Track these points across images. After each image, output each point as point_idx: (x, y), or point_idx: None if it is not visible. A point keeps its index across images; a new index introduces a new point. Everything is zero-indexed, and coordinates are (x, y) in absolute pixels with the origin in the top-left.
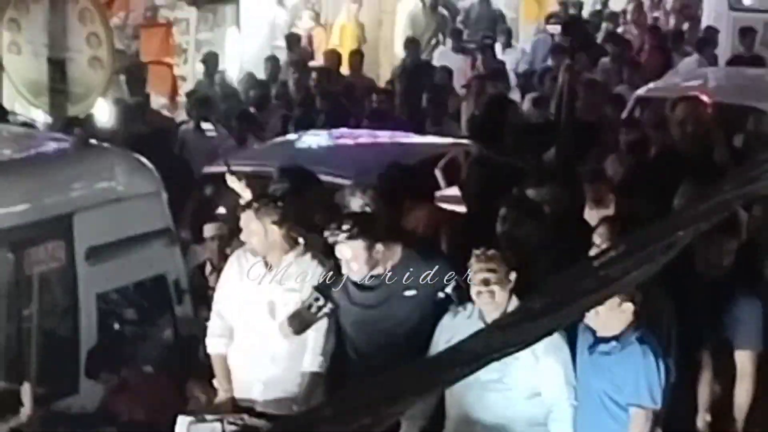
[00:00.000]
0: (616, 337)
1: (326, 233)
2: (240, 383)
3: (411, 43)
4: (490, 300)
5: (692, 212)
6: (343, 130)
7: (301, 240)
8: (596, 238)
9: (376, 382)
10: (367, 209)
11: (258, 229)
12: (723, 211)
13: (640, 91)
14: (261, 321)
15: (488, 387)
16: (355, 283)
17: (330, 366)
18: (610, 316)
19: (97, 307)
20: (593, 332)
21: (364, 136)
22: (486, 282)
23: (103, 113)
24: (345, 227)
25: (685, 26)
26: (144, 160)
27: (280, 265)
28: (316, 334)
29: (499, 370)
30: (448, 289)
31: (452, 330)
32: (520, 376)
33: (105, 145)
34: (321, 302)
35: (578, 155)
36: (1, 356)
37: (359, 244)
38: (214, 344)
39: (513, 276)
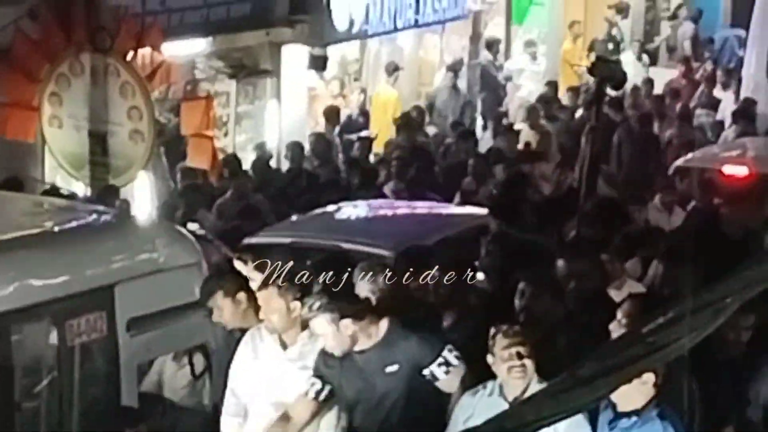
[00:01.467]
0: (636, 413)
1: (302, 308)
2: None
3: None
4: (522, 374)
5: (740, 279)
6: (382, 201)
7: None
8: (619, 315)
9: None
10: (373, 296)
11: (279, 307)
12: None
13: (679, 162)
14: (275, 400)
15: None
16: (340, 358)
17: None
18: (632, 389)
19: (138, 378)
20: (614, 407)
21: (403, 207)
22: (519, 355)
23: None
24: (316, 304)
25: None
26: (184, 231)
27: (296, 343)
28: (329, 412)
29: None
30: (434, 367)
31: (471, 409)
32: None
33: (145, 216)
34: (318, 386)
35: (602, 229)
36: (43, 428)
37: (327, 320)
38: (228, 424)
39: (531, 352)
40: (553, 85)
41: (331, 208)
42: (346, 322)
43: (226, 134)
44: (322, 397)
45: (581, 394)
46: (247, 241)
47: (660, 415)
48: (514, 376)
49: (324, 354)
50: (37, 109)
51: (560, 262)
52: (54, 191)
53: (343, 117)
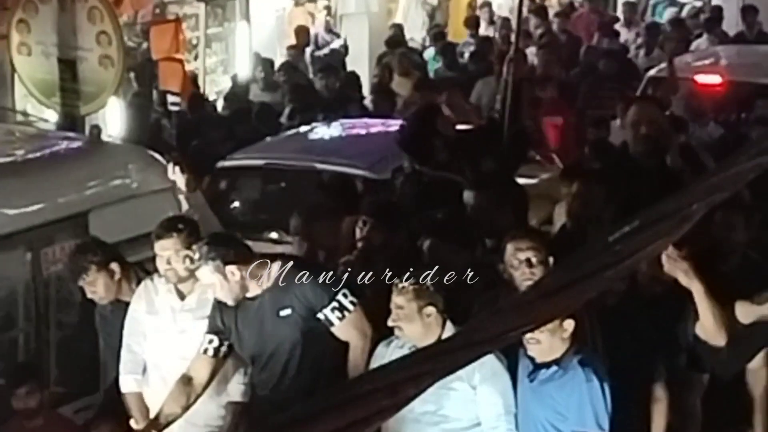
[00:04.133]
0: (556, 362)
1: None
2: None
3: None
4: (400, 333)
5: (706, 185)
6: (356, 120)
7: None
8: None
9: (312, 408)
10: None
11: (183, 254)
12: (738, 183)
13: (653, 72)
14: (175, 353)
15: (424, 420)
16: (234, 307)
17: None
18: (549, 337)
19: None
20: (532, 359)
21: (377, 125)
22: (394, 317)
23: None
24: (199, 253)
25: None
26: (157, 156)
27: (193, 291)
28: (236, 361)
29: (435, 401)
30: (327, 311)
31: (386, 358)
32: (457, 407)
33: (118, 142)
34: (216, 342)
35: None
36: (21, 356)
37: (211, 269)
38: (126, 382)
39: (429, 310)
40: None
41: (304, 128)
42: (232, 269)
43: (196, 57)
44: (221, 354)
45: (548, 305)
46: (220, 164)
47: (581, 362)
48: (396, 332)
49: (218, 306)
50: (5, 37)
51: (468, 194)
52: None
53: (311, 36)
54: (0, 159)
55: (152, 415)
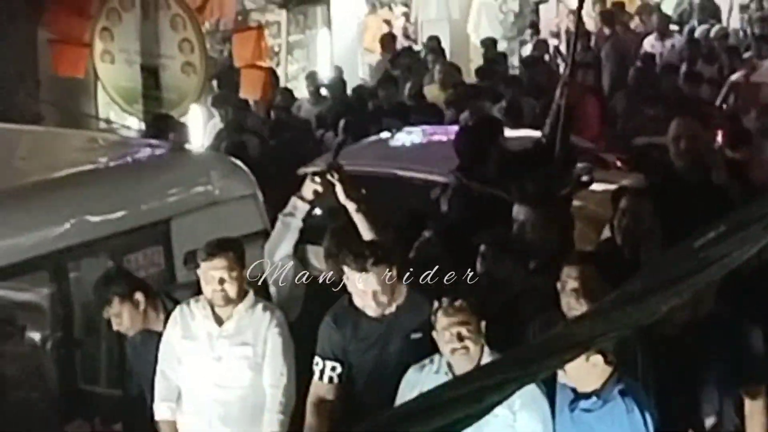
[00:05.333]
0: (596, 393)
1: (348, 262)
2: None
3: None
4: (464, 355)
5: None
6: (436, 126)
7: (250, 289)
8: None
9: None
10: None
11: (217, 278)
12: None
13: (735, 77)
14: (210, 380)
15: None
16: (365, 317)
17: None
18: (584, 369)
19: None
20: (573, 388)
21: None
22: (460, 337)
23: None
24: (370, 255)
25: None
26: (239, 163)
27: (232, 317)
28: (274, 391)
29: (476, 428)
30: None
31: (419, 385)
32: None
33: (200, 149)
34: (338, 370)
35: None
36: (104, 363)
37: (381, 274)
38: (160, 410)
39: (483, 325)
40: None
41: (384, 135)
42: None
43: (278, 64)
44: (336, 381)
45: (632, 312)
46: (302, 170)
47: (622, 392)
48: (456, 357)
49: (330, 327)
50: (88, 45)
51: (517, 210)
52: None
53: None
54: (83, 166)
55: None
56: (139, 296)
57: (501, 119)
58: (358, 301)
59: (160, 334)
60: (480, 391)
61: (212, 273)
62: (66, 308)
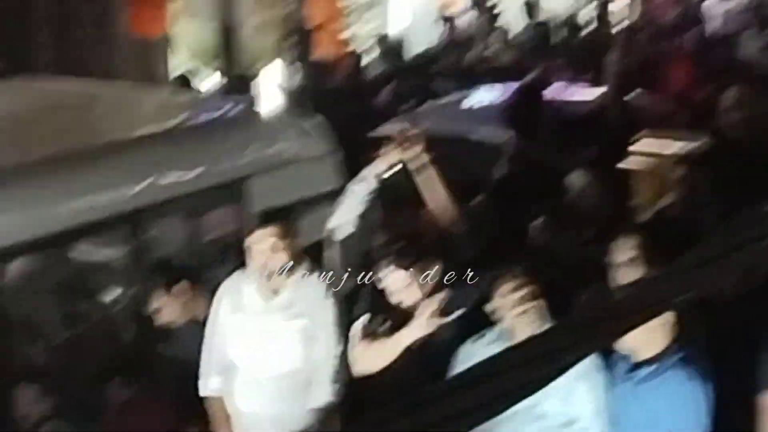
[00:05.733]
0: (655, 360)
1: (388, 260)
2: (242, 426)
3: None
4: (532, 318)
5: None
6: (508, 87)
7: (303, 260)
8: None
9: (404, 410)
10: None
11: (266, 248)
12: None
13: None
14: (261, 355)
15: (518, 417)
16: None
17: (348, 392)
18: (649, 331)
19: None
20: (630, 357)
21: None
22: (525, 300)
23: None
24: (400, 251)
25: None
26: (315, 122)
27: (285, 288)
28: (328, 362)
29: (533, 397)
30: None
31: (474, 358)
32: (555, 404)
33: (276, 108)
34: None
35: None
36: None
37: (423, 271)
38: (208, 386)
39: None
40: None
41: (458, 95)
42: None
43: (351, 24)
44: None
45: (706, 274)
46: (373, 132)
47: (683, 362)
48: (522, 321)
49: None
50: (164, 4)
51: (571, 177)
52: (185, 83)
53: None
54: (159, 125)
55: (234, 420)
56: (183, 286)
57: (558, 82)
58: (397, 298)
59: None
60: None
61: (261, 243)
62: (142, 267)
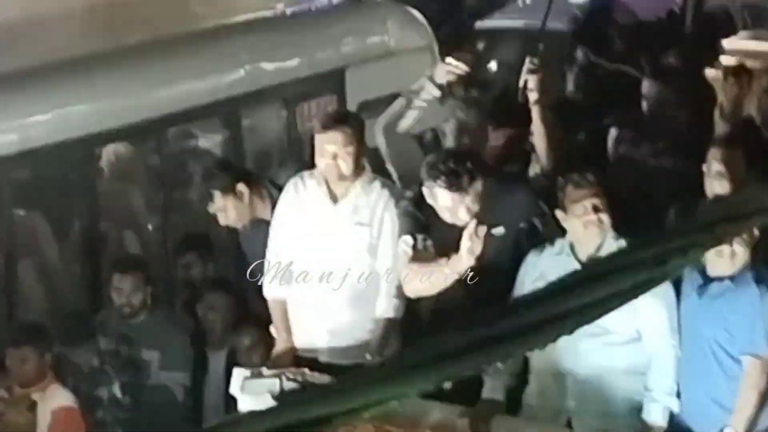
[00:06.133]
0: (730, 277)
1: (425, 178)
2: (302, 331)
3: None
4: (599, 229)
5: None
6: None
7: (367, 165)
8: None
9: (458, 331)
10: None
11: (330, 152)
12: None
13: None
14: (326, 259)
15: (582, 332)
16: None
17: (406, 311)
18: (719, 252)
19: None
20: (703, 271)
21: None
22: (596, 208)
23: None
24: (452, 170)
25: None
26: (416, 13)
27: (348, 195)
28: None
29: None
30: (535, 220)
31: (538, 269)
32: (619, 319)
33: None
34: (427, 240)
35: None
36: None
37: (477, 191)
38: (271, 289)
39: (605, 206)
40: None
41: None
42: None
43: None
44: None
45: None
46: (478, 24)
47: (756, 279)
48: (590, 231)
49: (415, 213)
50: None
51: (646, 85)
52: None
53: None
54: (259, 13)
55: (294, 324)
56: (241, 187)
57: None
58: (446, 216)
59: (269, 223)
60: (664, 253)
61: (327, 146)
62: (238, 155)
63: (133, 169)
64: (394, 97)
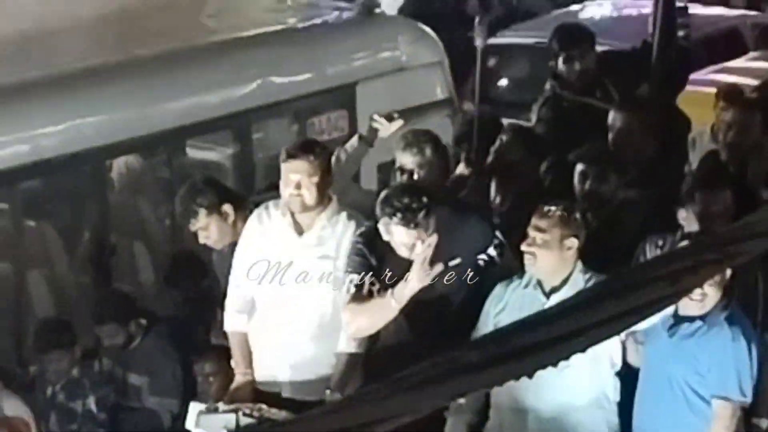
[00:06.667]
0: (701, 317)
1: (380, 215)
2: (263, 365)
3: None
4: (531, 262)
5: None
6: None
7: (334, 196)
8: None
9: (419, 369)
10: (421, 172)
11: (317, 180)
12: None
13: None
14: (288, 292)
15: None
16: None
17: (370, 345)
18: (697, 291)
19: (378, 178)
20: (674, 310)
21: (649, 6)
22: (533, 242)
23: None
24: (407, 206)
25: None
26: (427, 29)
27: (313, 226)
28: None
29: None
30: (491, 251)
31: (503, 302)
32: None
33: (389, 13)
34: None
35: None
36: None
37: (429, 226)
38: (232, 320)
39: (571, 242)
40: None
41: (575, 7)
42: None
43: None
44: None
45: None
46: (491, 40)
47: (729, 320)
48: (527, 262)
49: (366, 248)
50: None
51: (613, 116)
52: None
53: None
54: (271, 27)
55: (255, 357)
56: (227, 208)
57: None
58: (403, 252)
59: None
60: (676, 273)
61: (291, 175)
62: (248, 169)
63: (144, 181)
64: (405, 111)
